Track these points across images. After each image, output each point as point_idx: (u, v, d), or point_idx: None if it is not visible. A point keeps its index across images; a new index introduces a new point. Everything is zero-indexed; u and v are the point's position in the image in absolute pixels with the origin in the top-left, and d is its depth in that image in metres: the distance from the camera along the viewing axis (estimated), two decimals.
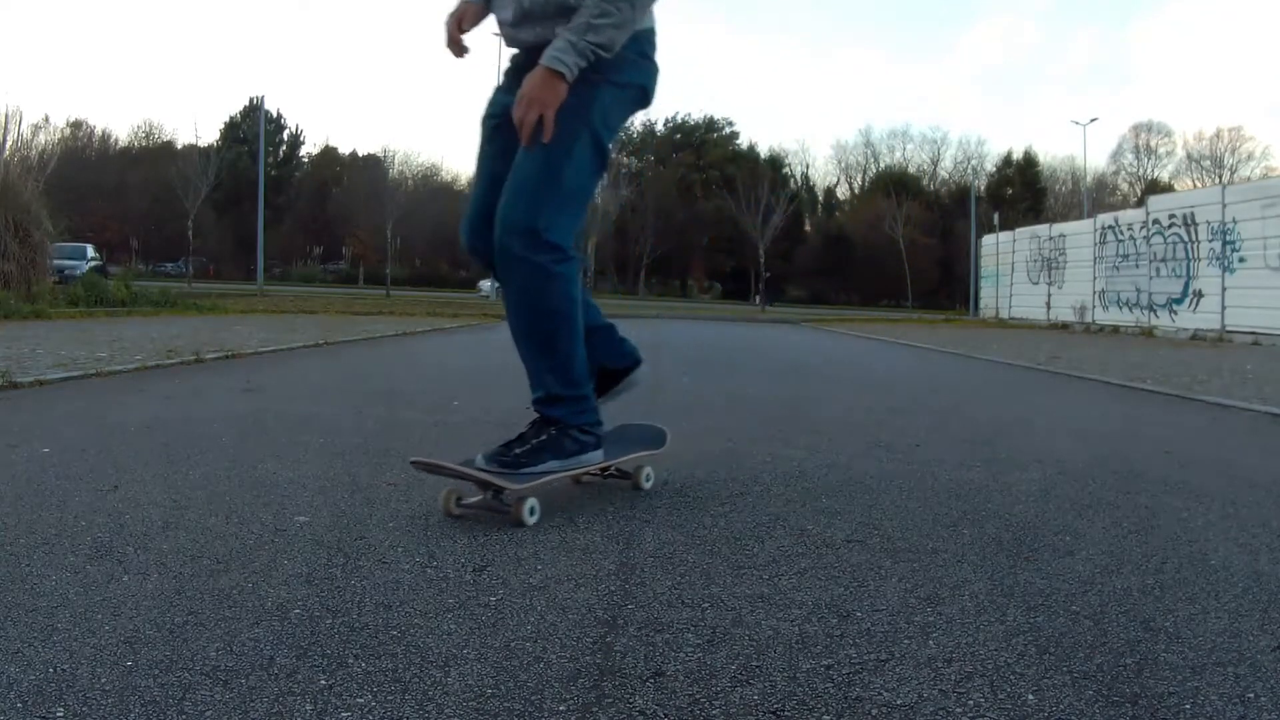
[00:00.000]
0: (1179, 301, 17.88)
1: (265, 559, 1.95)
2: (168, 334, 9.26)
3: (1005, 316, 26.38)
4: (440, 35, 2.57)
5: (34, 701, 1.24)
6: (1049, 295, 24.06)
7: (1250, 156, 50.92)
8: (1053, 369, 8.63)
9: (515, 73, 2.43)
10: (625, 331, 2.76)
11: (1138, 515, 2.59)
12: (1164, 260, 18.47)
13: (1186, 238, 17.69)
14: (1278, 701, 1.35)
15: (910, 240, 44.46)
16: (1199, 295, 17.11)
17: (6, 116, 15.47)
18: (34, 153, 17.47)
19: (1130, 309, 19.78)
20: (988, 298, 29.45)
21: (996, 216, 33.57)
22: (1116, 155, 56.63)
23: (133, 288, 16.60)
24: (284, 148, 57.85)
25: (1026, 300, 25.47)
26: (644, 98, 2.47)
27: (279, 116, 56.77)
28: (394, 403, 4.80)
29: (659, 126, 57.99)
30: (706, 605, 1.74)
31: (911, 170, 57.73)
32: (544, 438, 2.40)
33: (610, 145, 2.47)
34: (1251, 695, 1.37)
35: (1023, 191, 52.44)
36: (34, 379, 5.04)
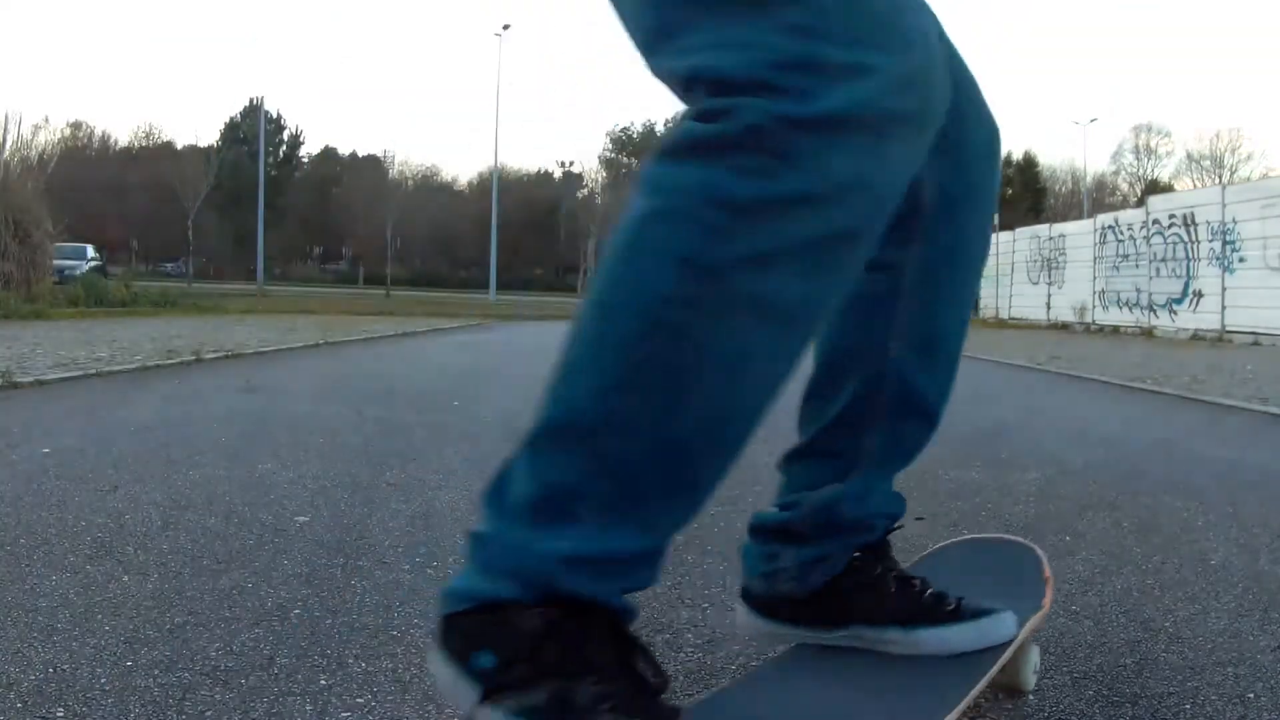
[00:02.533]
0: (1179, 301, 17.86)
1: (265, 559, 1.94)
2: (168, 334, 9.26)
3: (1005, 316, 26.35)
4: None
5: (34, 701, 1.24)
6: (1049, 295, 24.03)
7: (1250, 156, 50.91)
8: (1053, 369, 8.63)
9: None
10: None
11: (1138, 515, 2.59)
12: (1164, 260, 18.46)
13: (1186, 238, 17.67)
14: (1278, 701, 1.35)
15: None
16: (1199, 295, 17.09)
17: (6, 116, 15.48)
18: (34, 153, 17.50)
19: (1130, 309, 19.76)
20: (987, 298, 29.42)
21: (996, 217, 33.59)
22: (1116, 155, 56.66)
23: (133, 288, 16.62)
24: (284, 148, 57.88)
25: (1026, 300, 25.45)
26: None
27: (279, 117, 56.85)
28: (394, 403, 4.80)
29: (659, 126, 58.03)
30: (706, 605, 1.74)
31: None
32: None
33: None
34: (1251, 695, 1.36)
35: (1023, 192, 52.42)
36: (34, 379, 5.04)
